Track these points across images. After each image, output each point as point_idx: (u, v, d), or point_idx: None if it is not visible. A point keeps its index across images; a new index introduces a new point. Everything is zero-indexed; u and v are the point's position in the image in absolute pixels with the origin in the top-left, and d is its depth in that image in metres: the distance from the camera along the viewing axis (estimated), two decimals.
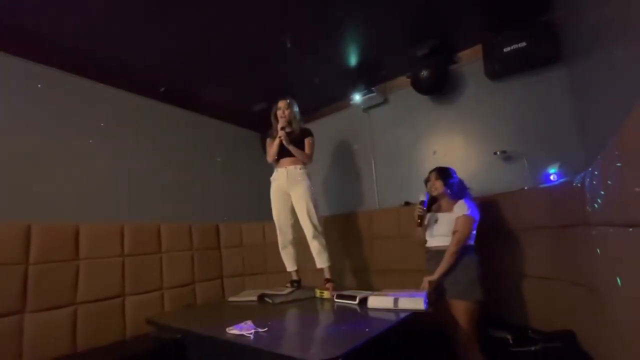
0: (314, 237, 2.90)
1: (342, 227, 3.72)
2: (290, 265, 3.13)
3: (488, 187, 2.91)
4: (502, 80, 3.08)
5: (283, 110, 2.98)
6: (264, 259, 3.83)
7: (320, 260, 2.93)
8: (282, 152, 2.98)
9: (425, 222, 2.46)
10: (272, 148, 2.97)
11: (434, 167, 2.63)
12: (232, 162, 4.34)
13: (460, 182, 2.48)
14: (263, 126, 4.08)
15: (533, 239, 2.50)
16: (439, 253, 2.39)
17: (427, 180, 2.52)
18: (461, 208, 2.36)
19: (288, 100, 3.02)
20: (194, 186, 3.88)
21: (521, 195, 2.62)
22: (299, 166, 2.97)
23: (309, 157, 3.02)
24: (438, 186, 2.43)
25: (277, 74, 3.45)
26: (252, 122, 4.41)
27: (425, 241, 2.51)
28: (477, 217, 2.34)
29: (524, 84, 3.00)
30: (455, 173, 2.47)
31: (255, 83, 3.57)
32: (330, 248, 3.07)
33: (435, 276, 2.33)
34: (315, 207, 2.96)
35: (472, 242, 2.34)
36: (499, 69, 2.97)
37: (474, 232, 2.35)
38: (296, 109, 3.05)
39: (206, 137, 4.14)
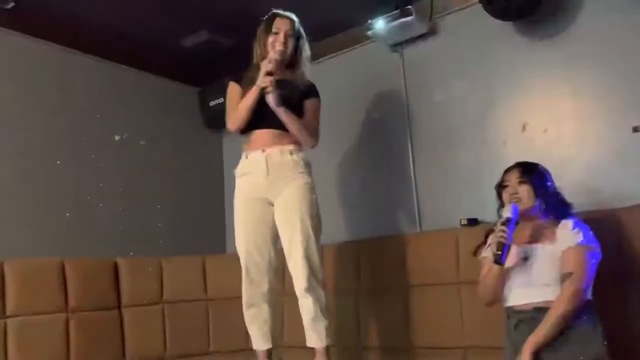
0: (309, 289, 2.29)
1: (353, 266, 3.08)
2: (260, 341, 2.44)
3: (617, 193, 2.45)
4: None
5: (285, 35, 2.38)
6: (205, 327, 3.18)
7: (315, 333, 2.30)
8: (261, 117, 2.37)
9: (507, 260, 2.02)
10: (244, 102, 2.36)
11: (519, 157, 2.31)
12: (146, 140, 3.67)
13: (558, 192, 2.09)
14: (201, 75, 3.79)
15: None
16: (534, 317, 1.91)
17: (501, 185, 2.10)
18: (569, 233, 1.92)
19: (293, 20, 2.43)
20: (71, 191, 3.22)
21: None
22: (290, 147, 2.38)
23: (314, 133, 2.47)
24: (525, 194, 2.01)
25: None
26: (180, 68, 3.85)
27: (501, 297, 2.09)
28: (598, 247, 1.91)
29: None
30: (550, 176, 2.10)
31: None
32: (335, 308, 2.68)
33: (527, 351, 1.91)
34: (318, 230, 2.38)
35: (589, 295, 1.90)
36: None
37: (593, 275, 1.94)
38: (306, 44, 2.49)
39: (91, 93, 3.46)
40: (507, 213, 1.99)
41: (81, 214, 3.13)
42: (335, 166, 3.59)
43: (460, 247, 2.64)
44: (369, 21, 3.06)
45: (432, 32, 3.12)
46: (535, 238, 2.03)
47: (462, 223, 2.80)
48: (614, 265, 2.10)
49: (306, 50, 2.50)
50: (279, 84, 2.35)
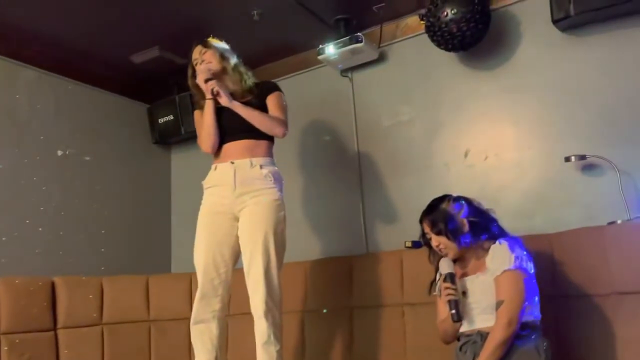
0: (266, 312, 2.22)
1: (299, 287, 3.01)
2: (203, 357, 2.36)
3: (553, 218, 2.54)
4: (582, 31, 2.66)
5: (199, 56, 2.43)
6: (147, 350, 3.03)
7: (266, 355, 2.25)
8: (228, 131, 2.36)
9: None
10: (204, 119, 2.36)
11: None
12: (91, 156, 3.61)
13: (480, 211, 2.08)
14: (152, 92, 3.73)
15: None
16: (476, 340, 1.95)
17: (424, 235, 2.10)
18: (499, 258, 1.94)
19: (201, 42, 2.48)
20: (8, 207, 3.09)
21: (612, 233, 2.26)
22: (260, 160, 2.32)
23: (284, 125, 2.40)
24: (446, 244, 2.02)
25: None
26: (130, 84, 3.78)
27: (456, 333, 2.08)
28: (530, 268, 1.92)
29: (619, 38, 2.57)
30: (461, 202, 2.08)
31: (135, 12, 2.97)
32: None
33: None
34: (281, 249, 2.31)
35: (533, 316, 1.92)
36: (577, 9, 2.50)
37: (536, 297, 1.93)
38: (227, 51, 2.48)
39: (33, 106, 3.34)
40: (445, 269, 2.01)
41: (19, 231, 3.01)
42: (284, 186, 3.48)
43: (405, 269, 2.66)
44: (320, 46, 3.08)
45: (381, 58, 3.19)
46: (468, 270, 2.07)
47: (407, 245, 2.67)
48: (548, 288, 2.15)
49: (233, 57, 2.51)
50: (231, 96, 2.32)
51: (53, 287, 2.88)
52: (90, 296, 3.05)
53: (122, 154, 3.70)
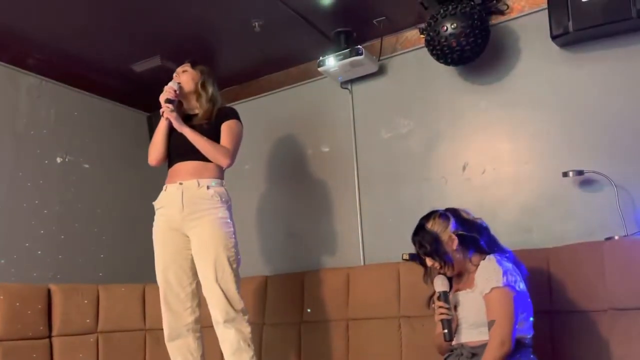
0: (227, 321, 2.25)
1: (296, 298, 3.03)
2: None
3: (550, 233, 2.53)
4: (580, 47, 2.64)
5: (180, 71, 2.53)
6: (141, 358, 3.06)
7: None
8: (179, 150, 2.42)
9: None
10: (155, 134, 2.48)
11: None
12: (90, 164, 3.62)
13: (469, 222, 2.06)
14: (152, 100, 3.47)
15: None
16: (461, 353, 1.94)
17: (418, 254, 2.10)
18: (488, 274, 1.91)
19: (191, 61, 2.55)
20: (6, 213, 3.07)
21: (610, 249, 2.23)
22: (208, 181, 2.35)
23: (227, 152, 2.41)
24: (438, 264, 2.01)
25: (181, 8, 2.87)
26: (131, 93, 3.77)
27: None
28: (519, 284, 1.89)
29: (617, 54, 2.56)
30: (447, 216, 2.06)
31: (136, 21, 2.95)
32: (269, 341, 2.74)
33: None
34: (234, 262, 2.32)
35: (525, 333, 1.88)
36: (576, 26, 2.50)
37: (527, 317, 1.88)
38: (204, 74, 2.54)
39: (34, 113, 3.34)
40: (439, 287, 2.00)
41: (17, 237, 3.00)
42: (282, 197, 3.58)
43: (402, 282, 2.66)
44: (321, 58, 3.09)
45: (380, 71, 3.20)
46: (461, 285, 2.07)
47: (404, 258, 2.68)
48: (545, 303, 2.17)
49: (208, 79, 2.54)
50: (192, 119, 2.41)
51: (49, 294, 2.87)
52: (86, 301, 3.04)
53: (121, 162, 3.71)
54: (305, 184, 3.45)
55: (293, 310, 2.99)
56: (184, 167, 2.39)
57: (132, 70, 3.38)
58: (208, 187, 2.35)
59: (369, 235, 3.18)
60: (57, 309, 2.87)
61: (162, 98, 2.40)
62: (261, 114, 3.41)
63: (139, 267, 3.43)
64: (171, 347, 2.39)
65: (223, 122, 2.46)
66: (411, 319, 2.58)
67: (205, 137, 2.38)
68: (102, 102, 3.72)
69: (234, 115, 2.51)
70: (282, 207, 3.53)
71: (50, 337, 2.79)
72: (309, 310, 2.91)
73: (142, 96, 3.71)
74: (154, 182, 3.62)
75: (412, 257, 2.65)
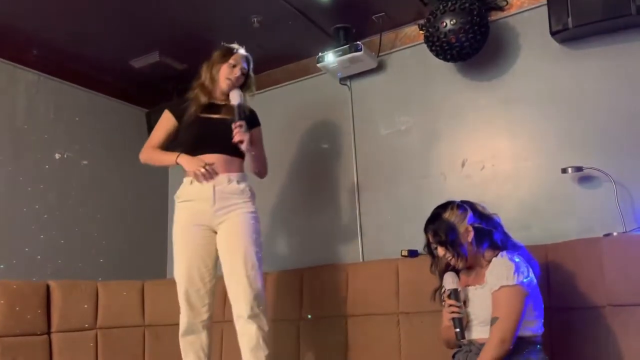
0: (251, 317, 2.22)
1: (295, 294, 3.02)
2: None
3: (549, 229, 2.51)
4: (580, 44, 2.64)
5: (240, 70, 2.39)
6: (141, 355, 3.03)
7: None
8: (207, 140, 2.34)
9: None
10: (161, 156, 2.48)
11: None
12: (89, 160, 3.59)
13: (485, 216, 2.02)
14: (151, 96, 3.67)
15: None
16: (470, 349, 1.94)
17: (429, 245, 2.05)
18: (499, 272, 1.87)
19: (249, 59, 2.46)
20: (4, 210, 3.06)
21: (608, 245, 2.22)
22: (237, 175, 2.34)
23: (266, 162, 2.58)
24: (450, 255, 1.97)
25: (179, 3, 2.87)
26: (130, 89, 3.76)
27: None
28: (532, 285, 1.85)
29: (616, 51, 2.55)
30: (465, 208, 2.02)
31: (135, 17, 2.93)
32: (275, 336, 2.53)
33: None
34: (260, 258, 2.33)
35: (534, 331, 1.87)
36: (575, 22, 2.48)
37: (539, 315, 1.88)
38: (252, 77, 2.51)
39: (32, 109, 3.31)
40: (449, 285, 1.98)
41: (15, 234, 3.00)
42: (282, 193, 3.58)
43: (401, 278, 2.65)
44: (320, 54, 3.09)
45: (379, 67, 3.19)
46: (471, 280, 2.05)
47: (403, 254, 2.74)
48: (543, 299, 2.07)
49: (251, 85, 2.53)
50: (238, 109, 2.32)
51: (48, 290, 2.87)
52: (85, 298, 3.03)
53: (120, 159, 3.70)
54: (304, 180, 3.46)
55: (292, 307, 2.98)
56: (212, 159, 2.35)
57: (130, 67, 3.36)
58: (238, 182, 2.36)
59: (368, 232, 3.18)
60: (56, 305, 2.85)
61: (238, 135, 2.31)
62: (259, 110, 3.26)
63: (137, 263, 3.57)
64: (184, 342, 2.40)
65: (255, 126, 2.47)
66: (410, 315, 2.57)
67: (261, 153, 2.50)
68: (100, 98, 3.71)
69: (258, 120, 2.55)
70: (280, 203, 3.54)
71: (49, 333, 2.79)
72: (309, 316, 2.93)
73: (141, 92, 3.71)
74: (152, 178, 3.67)
75: (411, 254, 2.74)
